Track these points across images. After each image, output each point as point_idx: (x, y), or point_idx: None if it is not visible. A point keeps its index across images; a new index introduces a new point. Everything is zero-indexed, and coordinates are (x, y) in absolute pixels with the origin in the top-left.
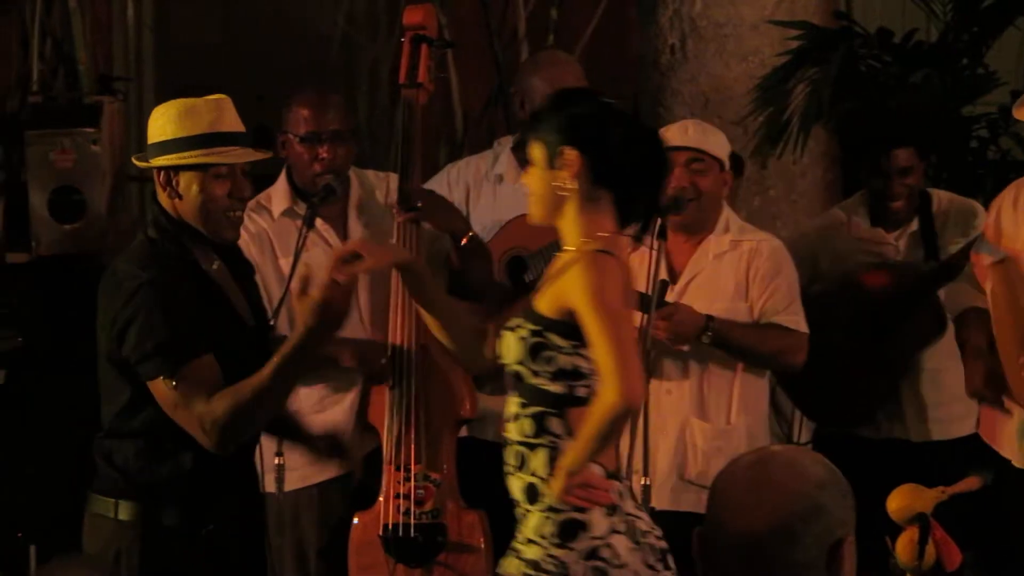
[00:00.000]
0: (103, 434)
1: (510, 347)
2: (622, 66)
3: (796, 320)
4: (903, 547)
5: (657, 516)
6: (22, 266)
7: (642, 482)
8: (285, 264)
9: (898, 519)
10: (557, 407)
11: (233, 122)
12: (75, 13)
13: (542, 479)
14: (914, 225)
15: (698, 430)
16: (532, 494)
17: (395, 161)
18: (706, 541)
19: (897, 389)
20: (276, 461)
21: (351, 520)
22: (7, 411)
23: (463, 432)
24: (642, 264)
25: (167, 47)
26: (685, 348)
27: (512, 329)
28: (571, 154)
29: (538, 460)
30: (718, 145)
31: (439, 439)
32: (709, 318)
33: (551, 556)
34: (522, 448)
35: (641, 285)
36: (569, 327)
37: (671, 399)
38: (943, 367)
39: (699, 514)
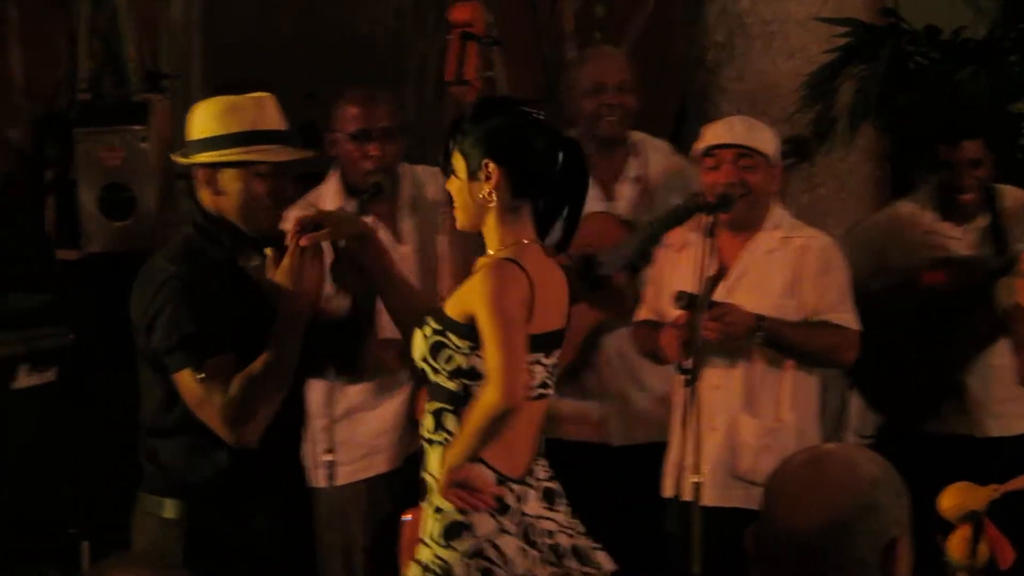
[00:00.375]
0: (145, 432)
1: (417, 344)
2: (669, 64)
3: (847, 317)
4: (955, 545)
5: (708, 512)
6: (72, 263)
7: (693, 479)
8: None
9: (950, 517)
10: (453, 404)
11: (275, 120)
12: (123, 11)
13: (434, 478)
14: (983, 220)
15: (747, 427)
16: (425, 492)
17: (441, 159)
18: (760, 539)
19: (961, 384)
20: (327, 458)
21: (399, 516)
22: (59, 407)
23: None
24: (693, 261)
25: (215, 44)
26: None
27: (420, 327)
28: (492, 168)
29: (433, 457)
30: (765, 140)
31: None
32: (760, 318)
33: (437, 556)
34: (424, 444)
35: (692, 282)
36: (469, 329)
37: (720, 395)
38: (1007, 363)
39: (749, 510)
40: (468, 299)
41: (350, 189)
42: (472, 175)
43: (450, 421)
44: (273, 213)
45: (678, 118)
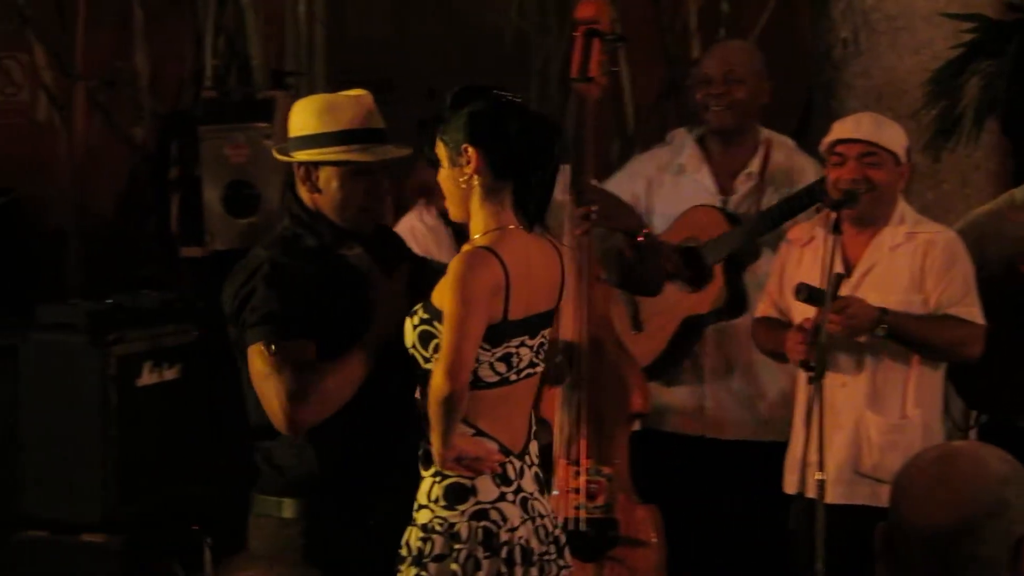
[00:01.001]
0: (255, 433)
1: (407, 332)
2: (794, 60)
3: (972, 311)
4: None
5: (831, 510)
6: (197, 260)
7: (817, 477)
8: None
9: None
10: None
11: (374, 119)
12: (248, 9)
13: (432, 446)
14: None
15: (872, 424)
16: (426, 461)
17: (566, 156)
18: (888, 536)
19: None
20: None
21: None
22: (182, 404)
23: (636, 426)
24: (817, 258)
25: (339, 41)
26: (861, 341)
27: (410, 315)
28: (471, 151)
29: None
30: (893, 138)
31: (611, 434)
32: (883, 311)
33: (439, 517)
34: (423, 423)
35: (816, 278)
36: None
37: (845, 392)
38: None
39: (874, 507)
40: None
41: None
42: (453, 162)
43: None
44: (369, 212)
45: (803, 114)
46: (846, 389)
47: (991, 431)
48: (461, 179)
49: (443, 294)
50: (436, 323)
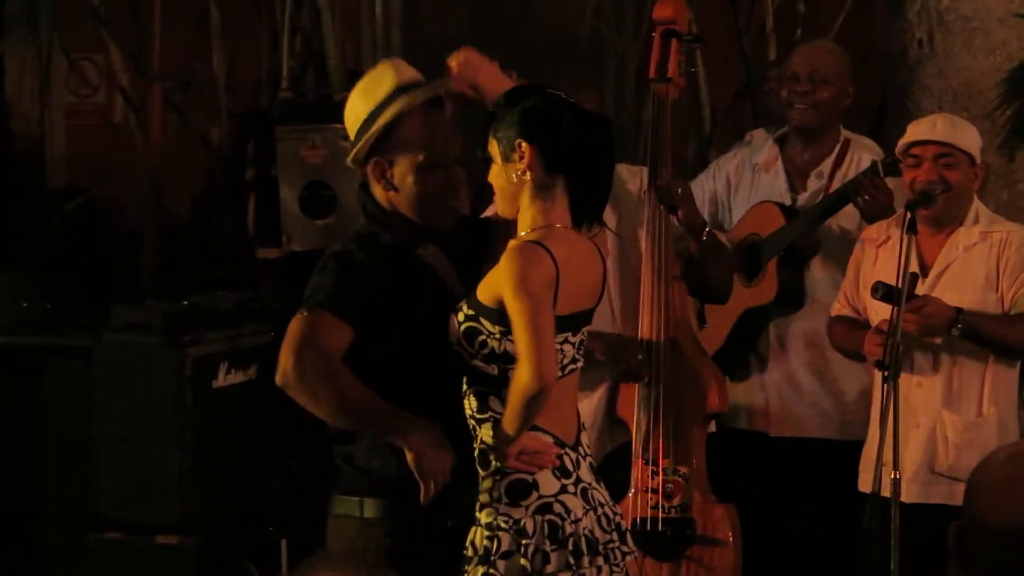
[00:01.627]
0: (334, 435)
1: (452, 328)
2: (869, 60)
3: None
4: None
5: (907, 509)
6: (273, 261)
7: (892, 476)
8: None
9: None
10: (494, 387)
11: (412, 74)
12: (324, 10)
13: (489, 446)
14: None
15: (949, 423)
16: (484, 461)
17: (644, 156)
18: (963, 535)
19: None
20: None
21: None
22: (258, 406)
23: (712, 427)
24: (892, 258)
25: (415, 42)
26: (937, 341)
27: (455, 311)
28: (524, 147)
29: (486, 431)
30: (968, 139)
31: (688, 433)
32: (959, 310)
33: (503, 515)
34: (472, 421)
35: (891, 278)
36: (500, 314)
37: (922, 392)
38: None
39: (950, 506)
40: (496, 283)
41: None
42: (506, 157)
43: (494, 402)
44: (449, 205)
45: (878, 114)
46: (922, 388)
47: None
48: (513, 175)
49: (502, 292)
50: (483, 319)
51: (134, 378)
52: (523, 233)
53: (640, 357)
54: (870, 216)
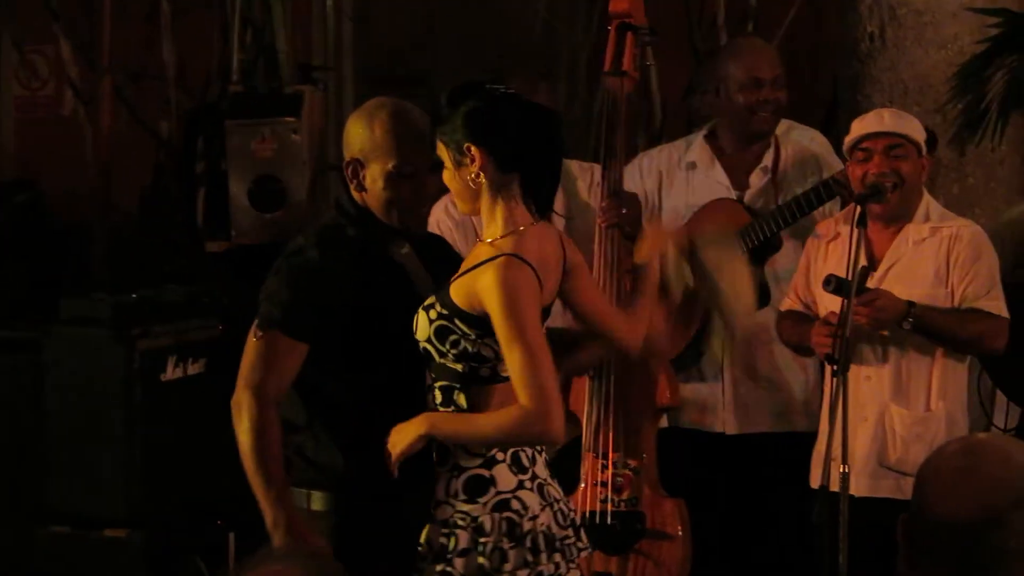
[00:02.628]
0: (285, 427)
1: (421, 325)
2: (821, 54)
3: (997, 305)
4: None
5: (856, 503)
6: (222, 255)
7: (841, 469)
8: None
9: None
10: (461, 382)
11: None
12: (275, 3)
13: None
14: None
15: (897, 416)
16: (442, 456)
17: (594, 150)
18: (911, 528)
19: None
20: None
21: None
22: (207, 399)
23: (664, 421)
24: (843, 253)
25: (367, 36)
26: (885, 334)
27: (425, 309)
28: (474, 151)
29: None
30: (915, 130)
31: (638, 427)
32: (910, 304)
33: (460, 512)
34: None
35: (841, 273)
36: (478, 320)
37: (870, 385)
38: None
39: (898, 500)
40: (478, 293)
41: None
42: (458, 163)
43: (460, 397)
44: (419, 214)
45: (829, 108)
46: (871, 382)
47: None
48: (468, 179)
49: (484, 304)
50: (458, 321)
51: (82, 371)
52: (492, 240)
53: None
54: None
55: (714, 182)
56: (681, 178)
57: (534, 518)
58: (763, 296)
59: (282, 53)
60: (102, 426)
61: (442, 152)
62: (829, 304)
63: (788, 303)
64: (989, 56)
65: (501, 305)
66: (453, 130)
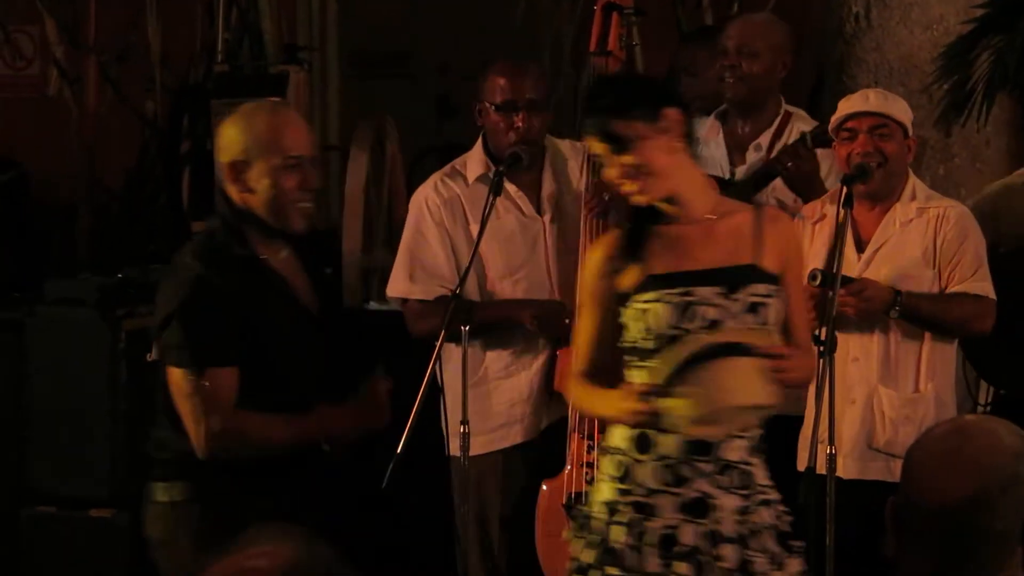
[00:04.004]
0: (159, 424)
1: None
2: (806, 35)
3: (983, 286)
4: None
5: (845, 485)
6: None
7: (828, 451)
8: (475, 230)
9: None
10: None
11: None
12: None
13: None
14: None
15: (886, 398)
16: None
17: (578, 130)
18: (899, 511)
19: None
20: (461, 429)
21: (534, 487)
22: None
23: None
24: (829, 234)
25: (351, 16)
26: None
27: (730, 292)
28: (673, 114)
29: None
30: (901, 111)
31: None
32: (897, 293)
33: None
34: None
35: (826, 255)
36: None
37: (858, 367)
38: None
39: (887, 482)
40: (783, 251)
41: (494, 158)
42: (652, 131)
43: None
44: (301, 207)
45: (814, 89)
46: (858, 364)
47: (1005, 406)
48: (669, 146)
49: (792, 263)
50: (771, 286)
51: (68, 352)
52: (704, 205)
53: (568, 321)
54: (792, 183)
55: (714, 158)
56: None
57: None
58: None
59: (267, 33)
60: (87, 406)
61: (629, 130)
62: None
63: None
64: (975, 37)
65: (800, 261)
66: (644, 102)
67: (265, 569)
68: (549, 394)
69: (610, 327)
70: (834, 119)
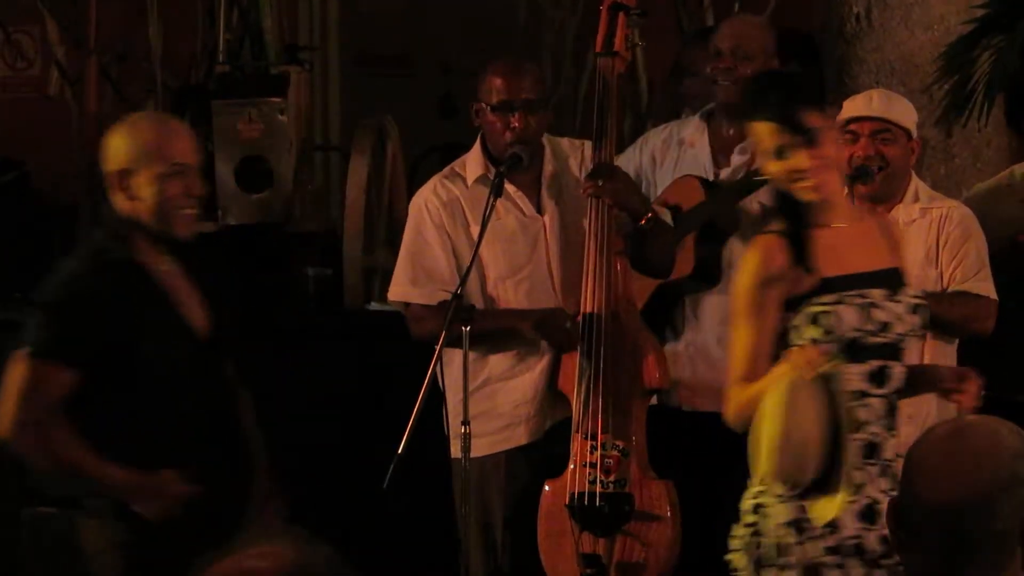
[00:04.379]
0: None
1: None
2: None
3: (985, 286)
4: None
5: None
6: (208, 235)
7: None
8: (476, 231)
9: None
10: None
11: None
12: None
13: None
14: None
15: None
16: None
17: (581, 130)
18: (901, 511)
19: None
20: (462, 431)
21: (537, 487)
22: None
23: (653, 401)
24: None
25: (352, 16)
26: None
27: (891, 297)
28: (814, 115)
29: None
30: (904, 114)
31: (627, 408)
32: None
33: None
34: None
35: None
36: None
37: None
38: None
39: None
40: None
41: (492, 159)
42: (830, 125)
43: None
44: (187, 213)
45: None
46: None
47: (992, 406)
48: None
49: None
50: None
51: None
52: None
53: (568, 325)
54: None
55: (697, 160)
56: (673, 155)
57: None
58: (711, 272)
59: (268, 33)
60: None
61: (812, 119)
62: None
63: None
64: (976, 37)
65: None
66: (798, 100)
67: (265, 570)
68: (554, 394)
69: (772, 335)
70: (838, 119)
